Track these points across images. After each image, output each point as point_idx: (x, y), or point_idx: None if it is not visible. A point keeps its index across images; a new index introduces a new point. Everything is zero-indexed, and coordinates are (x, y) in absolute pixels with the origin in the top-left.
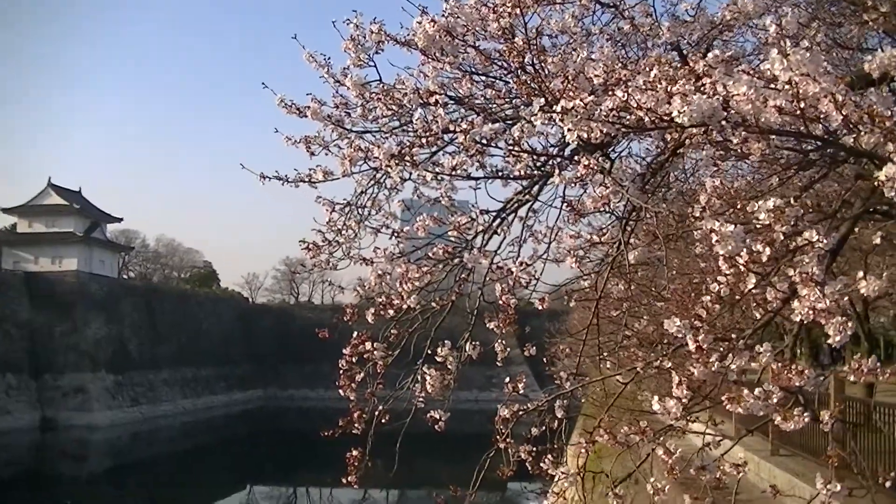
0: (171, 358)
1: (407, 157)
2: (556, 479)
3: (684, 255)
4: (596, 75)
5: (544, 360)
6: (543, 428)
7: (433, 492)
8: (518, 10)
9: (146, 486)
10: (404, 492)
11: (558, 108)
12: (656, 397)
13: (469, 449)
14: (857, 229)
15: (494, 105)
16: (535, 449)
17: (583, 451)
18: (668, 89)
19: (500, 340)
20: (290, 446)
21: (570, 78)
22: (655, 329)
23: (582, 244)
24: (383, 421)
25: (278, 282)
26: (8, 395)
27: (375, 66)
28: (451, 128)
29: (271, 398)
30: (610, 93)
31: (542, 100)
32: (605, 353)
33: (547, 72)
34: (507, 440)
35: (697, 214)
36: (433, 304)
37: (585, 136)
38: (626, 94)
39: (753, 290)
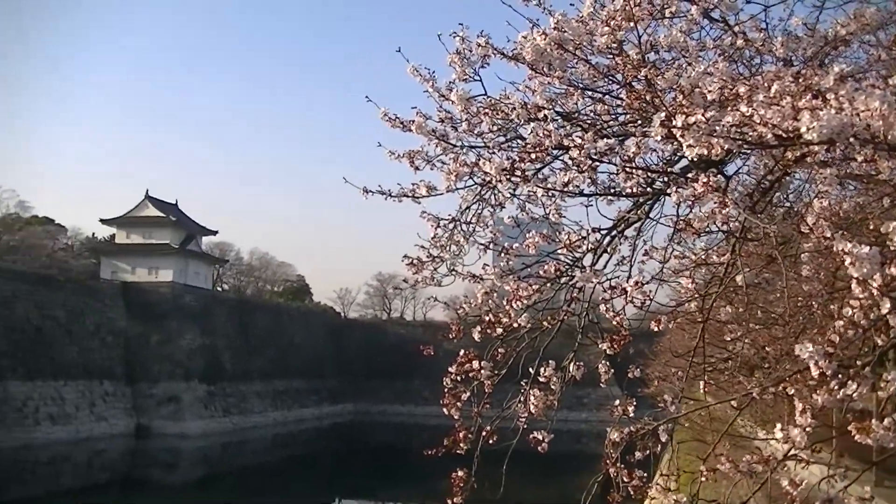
0: (262, 370)
1: (518, 173)
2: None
3: (790, 277)
4: (709, 91)
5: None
6: (647, 452)
7: None
8: (631, 24)
9: (236, 496)
10: None
11: (678, 124)
12: (778, 425)
13: (558, 469)
14: None
15: (601, 121)
16: (644, 474)
17: (703, 478)
18: (794, 104)
19: (603, 361)
20: (379, 461)
21: (685, 93)
22: (756, 353)
23: (687, 265)
24: (491, 441)
25: (370, 297)
26: (104, 402)
27: (481, 80)
28: (565, 143)
29: (361, 413)
30: (732, 108)
31: (663, 114)
32: (705, 377)
33: (658, 87)
34: (618, 464)
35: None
36: (544, 323)
37: (705, 152)
38: (749, 109)
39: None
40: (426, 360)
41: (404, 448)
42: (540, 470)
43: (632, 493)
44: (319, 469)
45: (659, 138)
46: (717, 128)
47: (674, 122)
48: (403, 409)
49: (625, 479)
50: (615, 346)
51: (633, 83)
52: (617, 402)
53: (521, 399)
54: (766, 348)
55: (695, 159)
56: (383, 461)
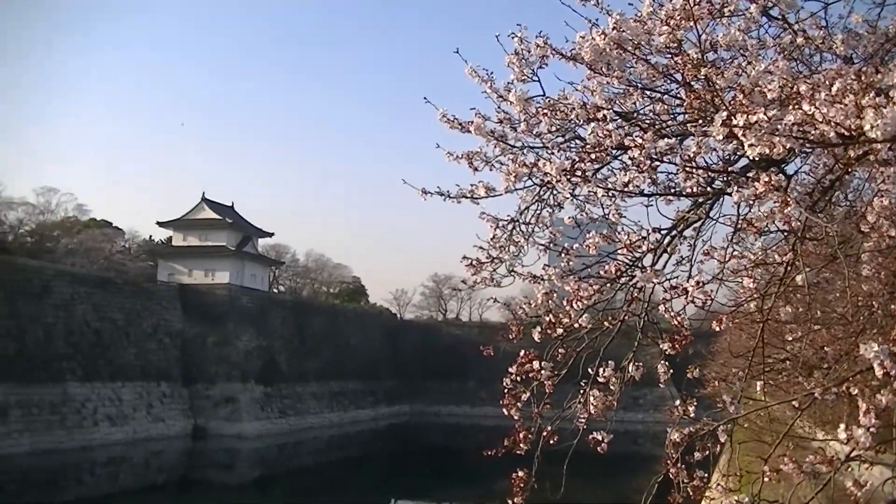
0: (318, 371)
1: (578, 173)
2: None
3: (850, 276)
4: (770, 89)
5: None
6: (707, 453)
7: None
8: (691, 23)
9: (292, 497)
10: None
11: (740, 123)
12: (842, 426)
13: (614, 470)
14: None
15: (659, 121)
16: (705, 475)
17: (766, 478)
18: (858, 102)
19: (662, 362)
20: (435, 462)
21: (745, 92)
22: (816, 353)
23: (746, 264)
24: (551, 441)
25: (426, 298)
26: (162, 403)
27: (539, 80)
28: (626, 143)
29: (417, 413)
30: (793, 106)
31: (725, 114)
32: (763, 377)
33: (718, 86)
34: (679, 465)
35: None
36: (606, 324)
37: (767, 151)
38: (812, 108)
39: None
40: (482, 362)
41: (460, 449)
42: (596, 471)
43: (690, 493)
44: (375, 470)
45: (720, 137)
46: (779, 127)
47: (735, 122)
48: (459, 410)
49: (684, 480)
50: (676, 346)
51: (692, 82)
52: (677, 402)
53: (581, 399)
54: (826, 348)
55: (756, 158)
56: (439, 462)
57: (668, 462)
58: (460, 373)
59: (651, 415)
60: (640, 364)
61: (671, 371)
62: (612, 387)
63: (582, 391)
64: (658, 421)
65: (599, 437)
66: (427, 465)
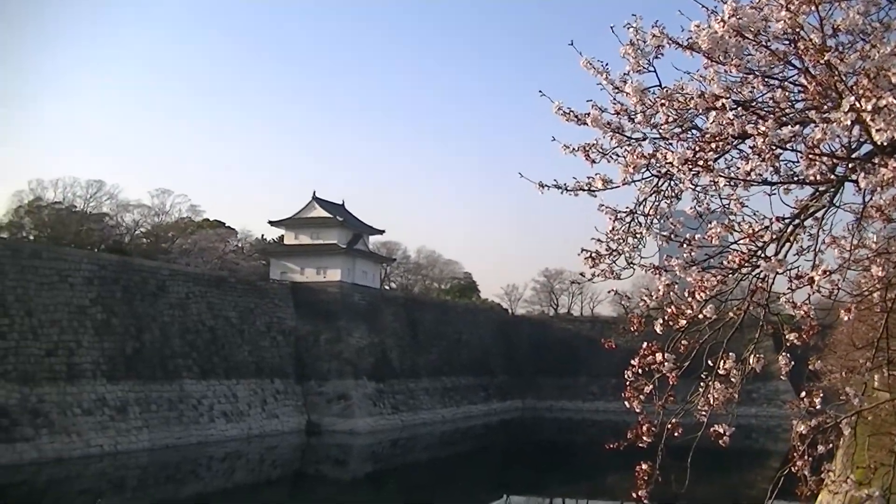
0: (430, 367)
1: (700, 162)
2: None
3: None
4: (894, 73)
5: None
6: (830, 446)
7: None
8: (812, 6)
9: (405, 492)
10: None
11: (867, 107)
12: None
13: (729, 464)
14: None
15: (778, 108)
16: (831, 468)
17: None
18: None
19: (783, 353)
20: (547, 457)
21: (870, 76)
22: None
23: (869, 254)
24: (676, 434)
25: (537, 293)
26: (275, 400)
27: (655, 70)
28: (749, 131)
29: (529, 409)
30: None
31: (853, 98)
32: (886, 370)
33: (840, 71)
34: (805, 458)
35: None
36: (730, 314)
37: (895, 136)
38: None
39: None
40: (593, 357)
41: (572, 444)
42: (709, 465)
43: (813, 487)
44: (488, 465)
45: (847, 123)
46: None
47: (863, 106)
48: (571, 405)
49: (807, 474)
50: (804, 336)
51: (812, 69)
52: (802, 394)
53: (702, 392)
54: None
55: (882, 144)
56: (551, 457)
57: (795, 454)
58: (572, 368)
59: (764, 409)
60: (761, 356)
61: (793, 363)
62: (732, 379)
63: (703, 384)
64: (772, 415)
65: (721, 430)
66: (540, 461)
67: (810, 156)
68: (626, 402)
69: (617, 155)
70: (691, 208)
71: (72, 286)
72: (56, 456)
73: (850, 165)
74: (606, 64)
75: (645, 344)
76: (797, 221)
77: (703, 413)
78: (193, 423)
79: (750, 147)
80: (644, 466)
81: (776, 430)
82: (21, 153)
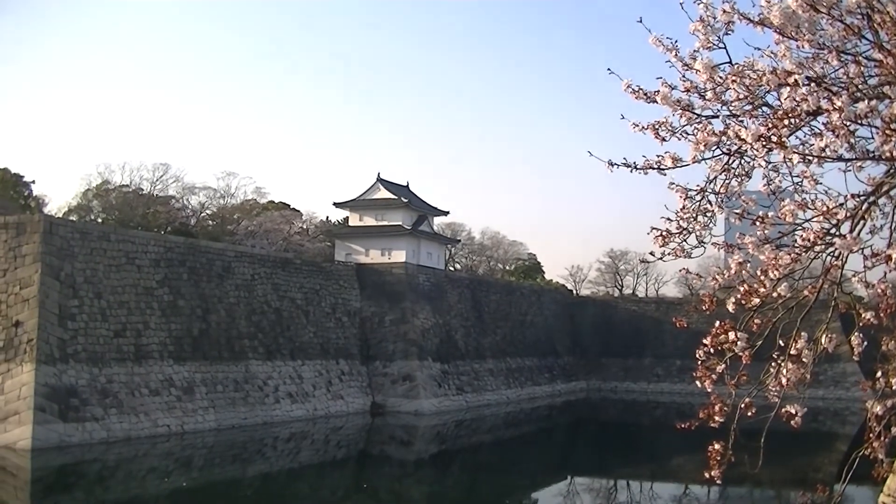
0: (495, 348)
1: (774, 139)
2: None
3: None
4: None
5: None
6: None
7: (752, 489)
8: None
9: (469, 472)
10: (726, 489)
11: None
12: None
13: (795, 446)
14: None
15: (852, 84)
16: None
17: None
18: None
19: (856, 333)
20: (612, 439)
21: None
22: None
23: None
24: (749, 415)
25: (602, 274)
26: (341, 381)
27: (725, 47)
28: (824, 107)
29: (594, 390)
30: None
31: None
32: None
33: None
34: (882, 439)
35: None
36: (805, 292)
37: None
38: None
39: None
40: (658, 338)
41: (637, 425)
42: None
43: (887, 469)
44: (552, 446)
45: None
46: None
47: None
48: (636, 387)
49: (881, 455)
50: (881, 315)
51: (887, 43)
52: (878, 374)
53: (774, 373)
54: None
55: None
56: (616, 439)
57: (871, 436)
58: (637, 349)
59: (832, 391)
60: (834, 336)
61: (865, 343)
62: (804, 360)
63: (774, 364)
64: (839, 398)
65: (793, 411)
66: (604, 442)
67: (886, 131)
68: (697, 382)
69: (686, 133)
70: (763, 185)
71: (139, 268)
72: (124, 435)
73: None
74: (675, 41)
75: (718, 322)
76: (871, 199)
77: (776, 394)
78: (259, 403)
79: (823, 123)
80: (717, 446)
81: (843, 412)
82: (89, 137)
